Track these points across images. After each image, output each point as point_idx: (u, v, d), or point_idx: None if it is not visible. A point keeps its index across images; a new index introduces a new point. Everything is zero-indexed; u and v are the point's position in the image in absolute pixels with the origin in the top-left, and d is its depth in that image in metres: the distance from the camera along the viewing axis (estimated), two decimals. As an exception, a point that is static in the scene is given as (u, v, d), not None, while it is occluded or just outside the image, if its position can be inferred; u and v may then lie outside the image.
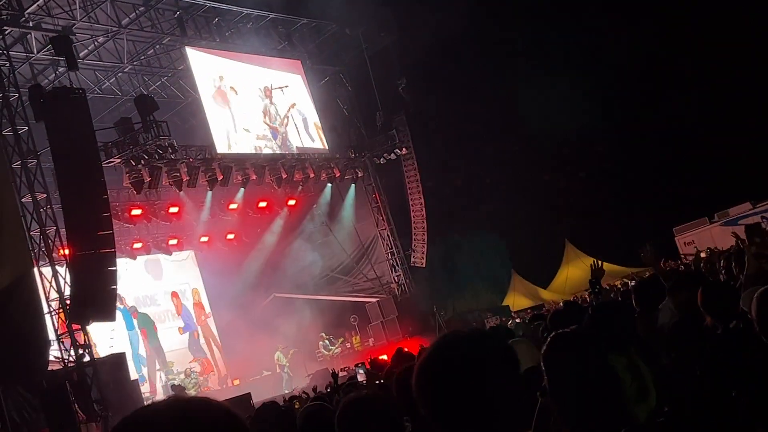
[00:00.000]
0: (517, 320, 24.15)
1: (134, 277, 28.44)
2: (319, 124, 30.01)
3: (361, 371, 16.94)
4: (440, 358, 2.26)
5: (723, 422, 3.84)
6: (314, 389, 16.41)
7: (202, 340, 30.72)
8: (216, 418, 1.67)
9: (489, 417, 2.17)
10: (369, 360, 15.92)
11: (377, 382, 8.11)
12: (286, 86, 28.87)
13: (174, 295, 30.71)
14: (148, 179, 23.54)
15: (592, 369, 2.62)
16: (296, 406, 10.10)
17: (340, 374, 23.97)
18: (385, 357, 21.83)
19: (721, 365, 4.37)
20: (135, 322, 28.40)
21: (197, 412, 1.68)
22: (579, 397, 2.62)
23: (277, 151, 27.95)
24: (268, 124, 27.91)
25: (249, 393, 21.55)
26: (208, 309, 31.58)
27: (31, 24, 22.01)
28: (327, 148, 29.99)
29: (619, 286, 23.66)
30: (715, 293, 5.17)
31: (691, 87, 27.78)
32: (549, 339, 2.79)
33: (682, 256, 26.75)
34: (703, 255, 17.94)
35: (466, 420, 2.17)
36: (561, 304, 17.97)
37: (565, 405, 2.69)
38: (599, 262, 8.23)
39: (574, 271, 31.20)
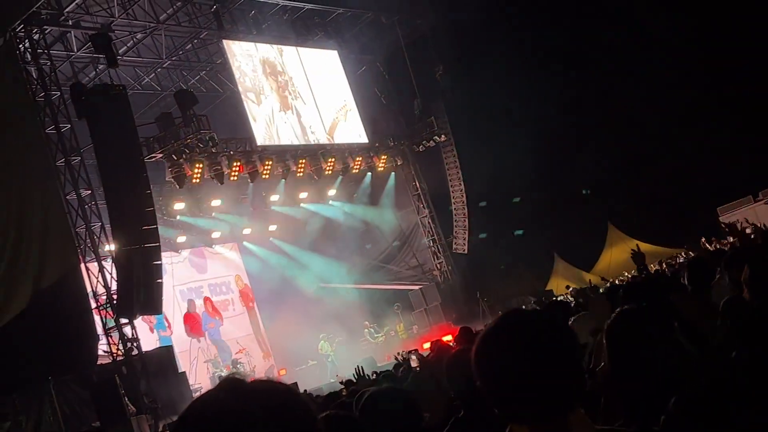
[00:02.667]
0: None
1: (179, 270, 28.56)
2: (356, 111, 30.03)
3: (414, 357, 17.15)
4: (500, 333, 2.28)
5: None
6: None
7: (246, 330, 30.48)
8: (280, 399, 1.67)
9: (542, 393, 2.17)
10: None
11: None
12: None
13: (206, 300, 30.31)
14: (190, 173, 23.73)
15: (655, 344, 2.63)
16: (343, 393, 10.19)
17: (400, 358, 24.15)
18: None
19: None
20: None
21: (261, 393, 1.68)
22: (640, 370, 2.64)
23: (317, 141, 28.06)
24: (303, 113, 28.00)
25: (296, 383, 21.63)
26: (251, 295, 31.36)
27: (70, 22, 22.27)
28: (366, 134, 30.02)
29: (665, 267, 23.43)
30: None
31: (733, 66, 27.42)
32: (614, 315, 2.82)
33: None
34: (748, 231, 17.71)
35: (520, 394, 2.18)
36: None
37: (624, 379, 2.71)
38: (637, 247, 8.29)
39: (617, 254, 30.94)
